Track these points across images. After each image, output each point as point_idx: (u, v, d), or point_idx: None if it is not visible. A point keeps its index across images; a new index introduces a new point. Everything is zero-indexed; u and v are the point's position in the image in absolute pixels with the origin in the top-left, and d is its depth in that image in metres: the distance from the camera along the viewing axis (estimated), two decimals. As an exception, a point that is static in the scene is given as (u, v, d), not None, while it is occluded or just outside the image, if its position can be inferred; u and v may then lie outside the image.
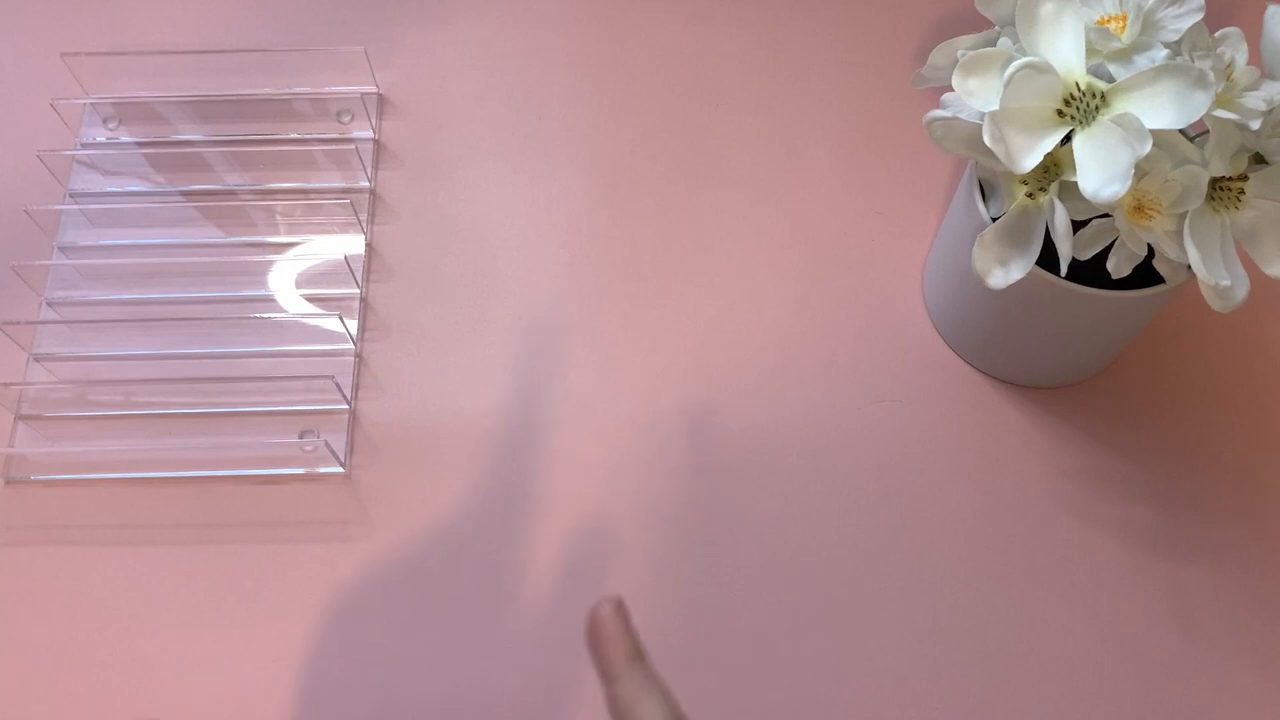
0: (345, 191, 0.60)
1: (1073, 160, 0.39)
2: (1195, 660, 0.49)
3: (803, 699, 0.48)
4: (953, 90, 0.41)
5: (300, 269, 0.58)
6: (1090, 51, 0.39)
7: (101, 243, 0.58)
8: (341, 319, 0.55)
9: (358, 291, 0.57)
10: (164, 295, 0.57)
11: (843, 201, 0.59)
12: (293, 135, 0.61)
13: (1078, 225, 0.42)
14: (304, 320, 0.56)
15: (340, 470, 0.53)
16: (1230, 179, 0.41)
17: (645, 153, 0.61)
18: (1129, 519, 0.52)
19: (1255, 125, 0.39)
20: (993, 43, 0.43)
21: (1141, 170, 0.39)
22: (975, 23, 0.44)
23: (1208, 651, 0.49)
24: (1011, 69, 0.38)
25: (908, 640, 0.49)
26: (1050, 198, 0.42)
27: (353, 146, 0.60)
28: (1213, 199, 0.41)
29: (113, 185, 0.60)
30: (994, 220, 0.45)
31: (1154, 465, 0.53)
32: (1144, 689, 0.48)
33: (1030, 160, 0.39)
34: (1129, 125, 0.37)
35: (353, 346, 0.56)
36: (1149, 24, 0.40)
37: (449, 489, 0.52)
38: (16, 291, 0.56)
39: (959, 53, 0.41)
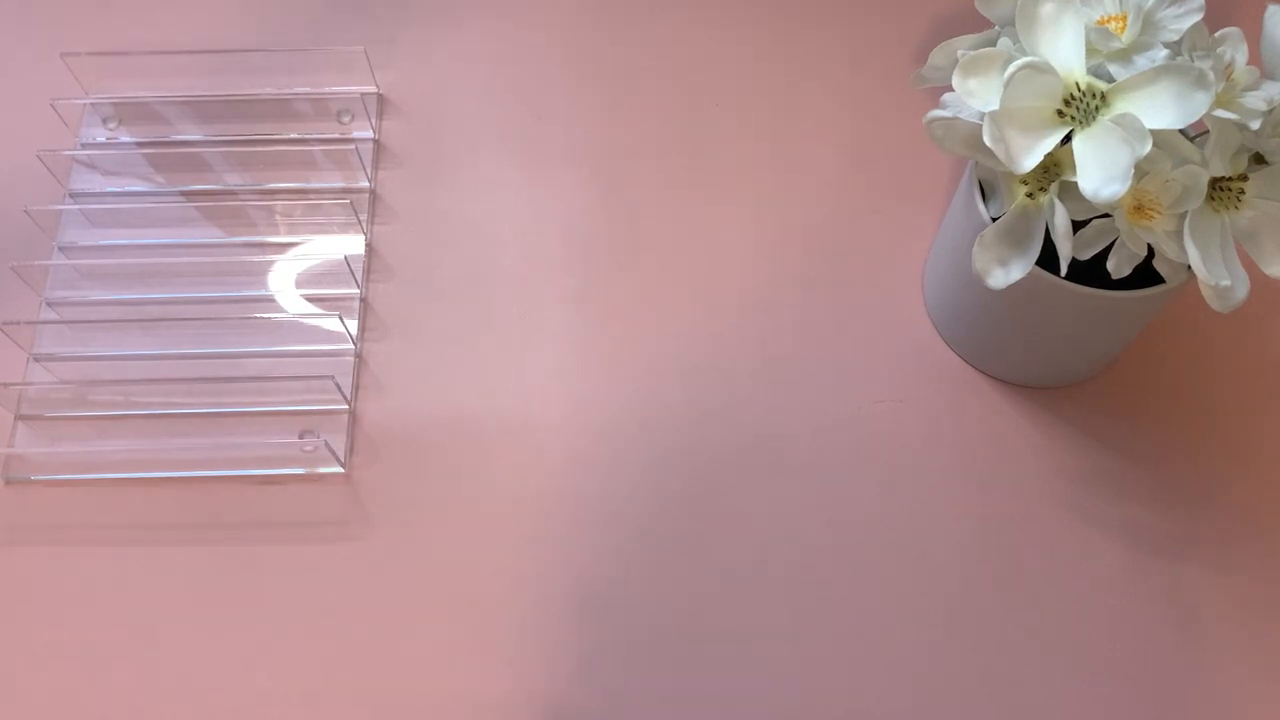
0: (345, 191, 0.60)
1: (1073, 160, 0.39)
2: (1195, 660, 0.49)
3: (802, 700, 0.48)
4: (953, 90, 0.41)
5: (300, 269, 0.58)
6: (1090, 51, 0.39)
7: (101, 243, 0.58)
8: (341, 319, 0.55)
9: (358, 291, 0.57)
10: (164, 295, 0.57)
11: (843, 201, 0.59)
12: (293, 135, 0.61)
13: (1078, 225, 0.42)
14: (304, 320, 0.56)
15: (340, 470, 0.53)
16: (1230, 179, 0.41)
17: (645, 153, 0.61)
18: (1129, 519, 0.52)
19: (1255, 125, 0.39)
20: (993, 43, 0.43)
21: (1141, 170, 0.39)
22: (975, 23, 0.44)
23: (1208, 651, 0.49)
24: (1011, 69, 0.38)
25: (907, 640, 0.49)
26: (1050, 198, 0.42)
27: (353, 146, 0.60)
28: (1213, 199, 0.41)
29: (113, 185, 0.60)
30: (994, 220, 0.45)
31: (1154, 465, 0.53)
32: (1144, 689, 0.48)
33: (1030, 160, 0.39)
34: (1129, 125, 0.37)
35: (353, 346, 0.56)
36: (1149, 24, 0.40)
37: (448, 489, 0.52)
38: (16, 291, 0.56)
39: (959, 53, 0.41)
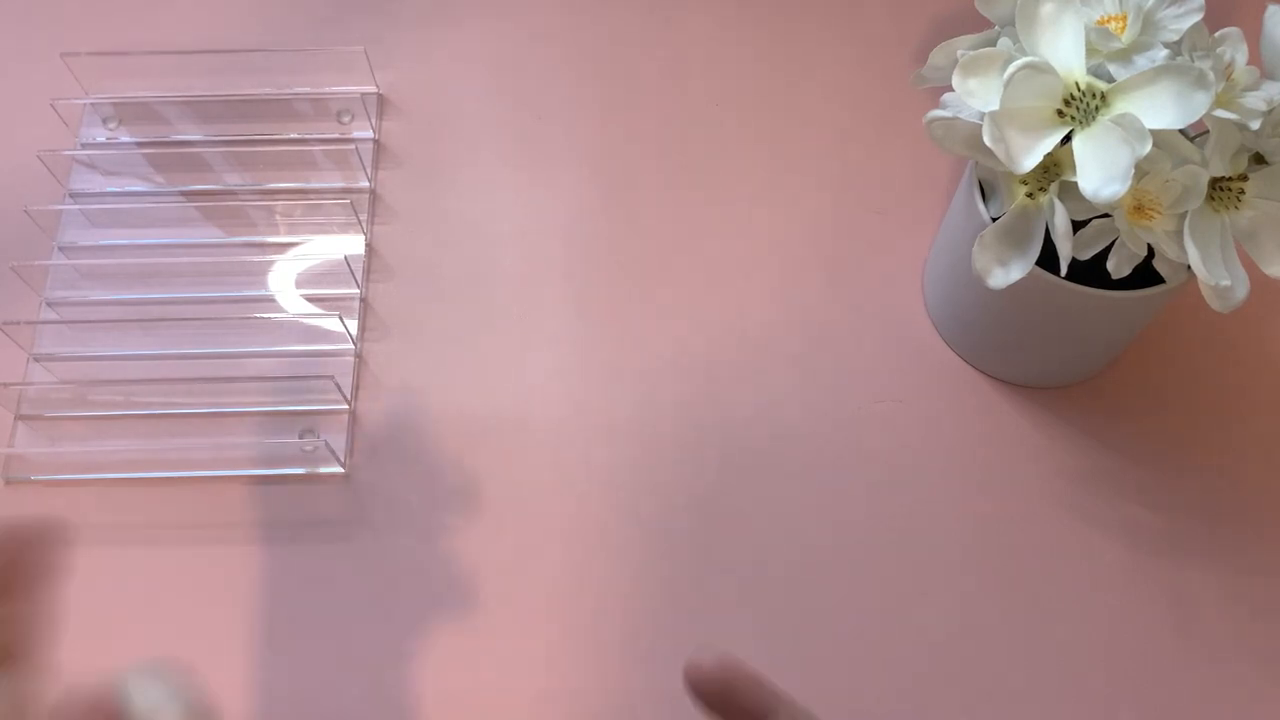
0: (345, 191, 0.60)
1: (1073, 160, 0.39)
2: (1195, 660, 0.49)
3: (801, 700, 0.48)
4: (953, 90, 0.41)
5: (300, 269, 0.58)
6: (1090, 51, 0.39)
7: (101, 243, 0.58)
8: (341, 319, 0.55)
9: (358, 291, 0.57)
10: (164, 295, 0.57)
11: (843, 201, 0.59)
12: (293, 135, 0.61)
13: (1078, 225, 0.42)
14: (304, 320, 0.56)
15: (340, 470, 0.53)
16: (1230, 179, 0.41)
17: (645, 153, 0.61)
18: (1129, 519, 0.52)
19: (1255, 125, 0.39)
20: (993, 43, 0.43)
21: (1141, 170, 0.39)
22: (975, 23, 0.44)
23: (1208, 651, 0.49)
24: (1011, 69, 0.38)
25: (907, 640, 0.49)
26: (1050, 198, 0.42)
27: (353, 146, 0.60)
28: (1213, 199, 0.41)
29: (113, 185, 0.60)
30: (994, 220, 0.45)
31: (1154, 465, 0.53)
32: (1144, 689, 0.48)
33: (1030, 160, 0.39)
34: (1129, 125, 0.37)
35: (353, 346, 0.56)
36: (1149, 24, 0.40)
37: (448, 489, 0.52)
38: (16, 291, 0.56)
39: (959, 53, 0.41)
